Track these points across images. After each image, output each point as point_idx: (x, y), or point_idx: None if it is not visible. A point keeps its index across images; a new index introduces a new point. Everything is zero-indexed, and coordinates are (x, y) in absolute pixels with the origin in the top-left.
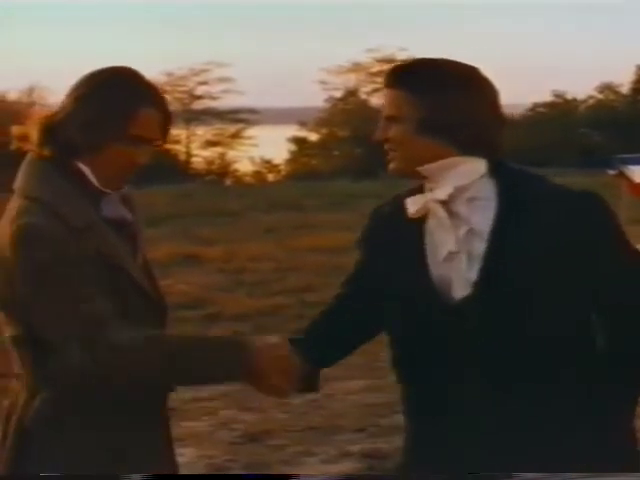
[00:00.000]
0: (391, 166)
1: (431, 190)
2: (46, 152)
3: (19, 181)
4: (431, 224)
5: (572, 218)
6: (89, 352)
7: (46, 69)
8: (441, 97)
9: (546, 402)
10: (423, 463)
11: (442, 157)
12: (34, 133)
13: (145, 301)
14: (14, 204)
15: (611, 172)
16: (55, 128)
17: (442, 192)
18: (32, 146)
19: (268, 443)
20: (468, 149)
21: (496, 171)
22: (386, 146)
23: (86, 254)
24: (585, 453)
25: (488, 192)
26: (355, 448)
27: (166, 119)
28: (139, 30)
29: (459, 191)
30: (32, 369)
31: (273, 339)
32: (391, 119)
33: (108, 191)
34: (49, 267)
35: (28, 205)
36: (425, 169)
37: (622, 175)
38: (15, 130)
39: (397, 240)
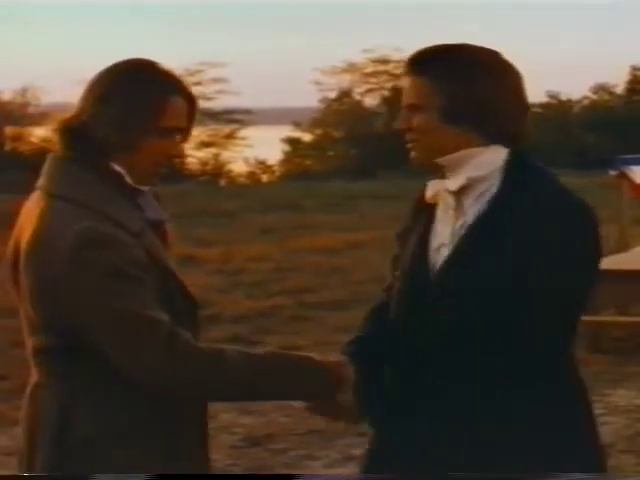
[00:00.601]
0: (413, 155)
1: (449, 178)
2: (75, 154)
3: (50, 183)
4: (439, 212)
5: (555, 230)
6: (169, 361)
7: (39, 69)
8: (465, 84)
9: (499, 402)
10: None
11: (466, 146)
12: (57, 136)
13: (187, 302)
14: (58, 210)
15: (612, 173)
16: (81, 130)
17: (454, 183)
18: (56, 149)
19: (270, 447)
20: (492, 137)
21: (513, 165)
22: (408, 136)
23: (144, 256)
24: (552, 451)
25: (497, 186)
26: (358, 452)
27: (191, 105)
28: (133, 30)
29: (472, 182)
30: (81, 377)
31: (334, 357)
32: (413, 108)
33: (143, 189)
34: (117, 273)
35: (81, 211)
36: (443, 160)
37: (623, 176)
38: (10, 131)
39: (415, 225)
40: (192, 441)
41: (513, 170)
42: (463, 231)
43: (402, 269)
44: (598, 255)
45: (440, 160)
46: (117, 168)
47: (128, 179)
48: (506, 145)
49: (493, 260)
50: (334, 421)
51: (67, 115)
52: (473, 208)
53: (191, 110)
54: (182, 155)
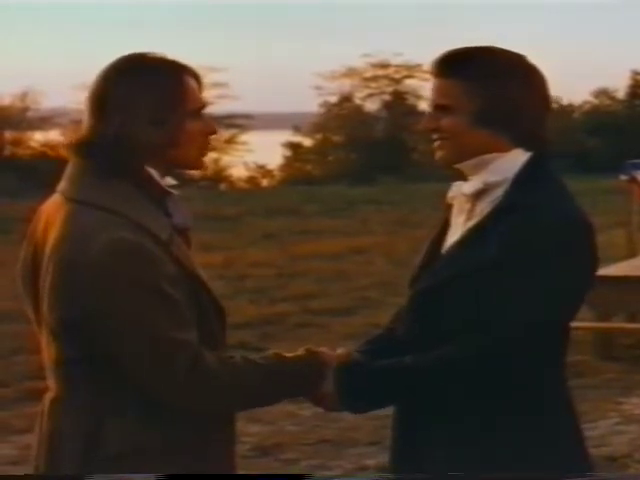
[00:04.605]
0: (440, 155)
1: (469, 181)
2: (103, 161)
3: (75, 188)
4: (453, 216)
5: (540, 242)
6: (190, 385)
7: (39, 73)
8: (498, 87)
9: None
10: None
11: (494, 148)
12: (79, 146)
13: (215, 308)
14: (86, 216)
15: (623, 177)
16: (111, 138)
17: (471, 187)
18: (76, 157)
19: (280, 457)
20: (519, 140)
21: (526, 171)
22: (434, 135)
23: (173, 268)
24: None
25: (504, 192)
26: (371, 462)
27: (200, 82)
28: (131, 34)
29: (489, 187)
30: (107, 390)
31: (340, 351)
32: (443, 109)
33: (172, 192)
34: (148, 290)
35: (109, 217)
36: (462, 165)
37: (634, 180)
38: (9, 136)
39: (438, 227)
40: (219, 450)
41: (524, 177)
42: (464, 234)
43: (412, 272)
44: (582, 271)
45: (459, 166)
46: (150, 171)
47: (159, 180)
48: (529, 148)
49: (475, 261)
50: (326, 410)
51: (86, 127)
52: (482, 213)
53: (200, 87)
54: (216, 131)
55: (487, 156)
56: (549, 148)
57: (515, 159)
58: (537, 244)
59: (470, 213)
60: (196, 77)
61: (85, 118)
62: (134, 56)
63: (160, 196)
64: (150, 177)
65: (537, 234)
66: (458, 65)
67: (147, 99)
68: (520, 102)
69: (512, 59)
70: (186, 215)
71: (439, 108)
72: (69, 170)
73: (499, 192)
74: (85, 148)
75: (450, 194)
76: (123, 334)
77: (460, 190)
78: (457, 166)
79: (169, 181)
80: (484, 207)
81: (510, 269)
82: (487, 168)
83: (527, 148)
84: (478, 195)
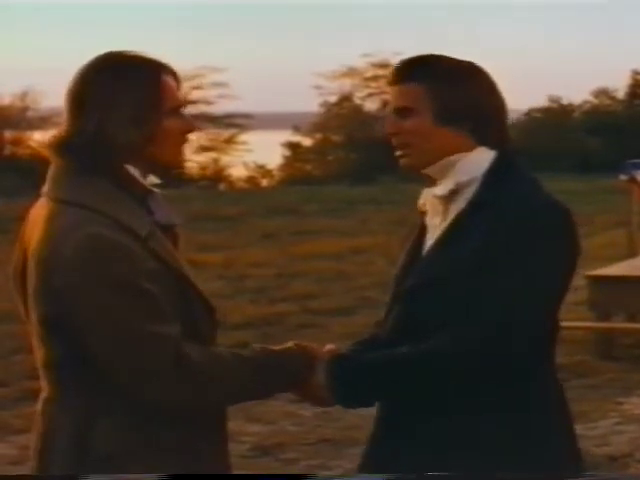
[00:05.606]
0: (405, 161)
1: (438, 185)
2: (83, 161)
3: (55, 188)
4: (428, 219)
5: (519, 230)
6: (172, 380)
7: (39, 72)
8: (456, 86)
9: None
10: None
11: (460, 148)
12: (59, 147)
13: (202, 304)
14: (65, 214)
15: (623, 177)
16: (90, 138)
17: (443, 188)
18: (57, 158)
19: (280, 457)
20: (482, 138)
21: (496, 168)
22: (397, 140)
23: (153, 264)
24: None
25: (476, 188)
26: None
27: (178, 81)
28: (132, 33)
29: (460, 187)
30: (95, 392)
31: (329, 347)
32: (405, 111)
33: (154, 190)
34: (124, 286)
35: (87, 214)
36: (429, 170)
37: (634, 180)
38: (9, 135)
39: (415, 233)
40: (211, 450)
41: (495, 173)
42: (441, 234)
43: (394, 279)
44: (566, 257)
45: (427, 171)
46: (130, 170)
47: (140, 179)
48: (492, 146)
49: (457, 258)
50: (316, 404)
51: (65, 127)
52: (456, 212)
53: (179, 85)
54: (195, 129)
55: (453, 157)
56: (512, 146)
57: (481, 157)
58: (515, 243)
59: (445, 214)
60: (174, 75)
61: (64, 117)
62: (112, 55)
63: (142, 194)
64: (130, 175)
65: (515, 232)
66: (416, 70)
67: (125, 97)
68: (479, 100)
69: (464, 63)
70: (169, 212)
71: (400, 111)
72: (51, 171)
73: (470, 191)
74: (64, 147)
75: (420, 201)
76: (100, 330)
77: (431, 194)
78: (424, 171)
79: (152, 180)
80: (457, 207)
81: (492, 268)
82: (455, 169)
83: (491, 146)
84: (450, 196)
